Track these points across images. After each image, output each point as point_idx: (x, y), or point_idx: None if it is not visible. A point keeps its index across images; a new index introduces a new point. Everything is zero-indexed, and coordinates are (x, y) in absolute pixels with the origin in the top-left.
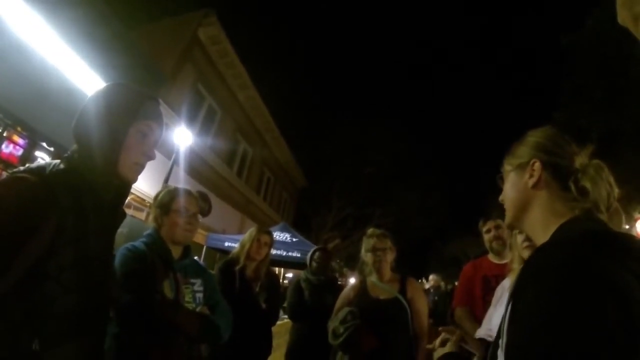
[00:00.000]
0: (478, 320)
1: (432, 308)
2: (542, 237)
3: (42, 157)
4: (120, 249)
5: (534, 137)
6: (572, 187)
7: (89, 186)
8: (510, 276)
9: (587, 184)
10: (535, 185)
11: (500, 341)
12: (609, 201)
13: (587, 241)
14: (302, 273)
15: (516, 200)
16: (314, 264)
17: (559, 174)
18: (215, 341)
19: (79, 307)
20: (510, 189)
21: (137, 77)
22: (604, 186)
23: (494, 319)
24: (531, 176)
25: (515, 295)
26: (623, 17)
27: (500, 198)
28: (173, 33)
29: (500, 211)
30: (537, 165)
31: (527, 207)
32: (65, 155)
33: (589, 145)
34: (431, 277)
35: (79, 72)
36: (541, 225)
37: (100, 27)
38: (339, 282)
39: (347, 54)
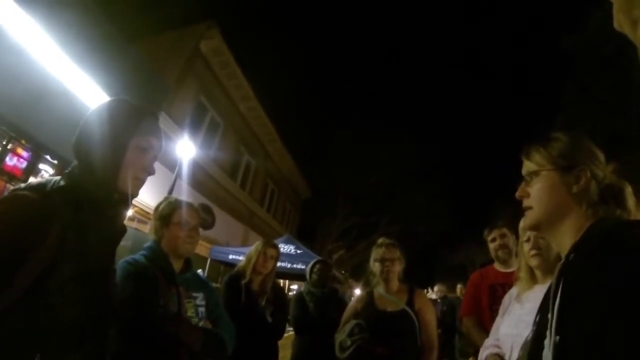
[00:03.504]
0: (486, 330)
1: (441, 318)
2: (568, 242)
3: (46, 170)
4: (121, 263)
5: (581, 141)
6: (612, 201)
7: (89, 202)
8: (517, 285)
9: (625, 200)
10: (578, 192)
11: (547, 341)
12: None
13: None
14: (303, 286)
15: (553, 203)
16: (314, 276)
17: (601, 186)
18: (219, 356)
19: (81, 320)
20: (547, 190)
21: (140, 90)
22: (633, 201)
23: (502, 328)
24: (577, 182)
25: (570, 289)
26: (620, 21)
27: (520, 194)
28: (175, 45)
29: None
30: (588, 173)
31: (563, 213)
32: (66, 171)
33: (613, 162)
34: (436, 287)
35: (83, 86)
36: (572, 232)
37: (104, 40)
38: (341, 293)
39: (350, 63)
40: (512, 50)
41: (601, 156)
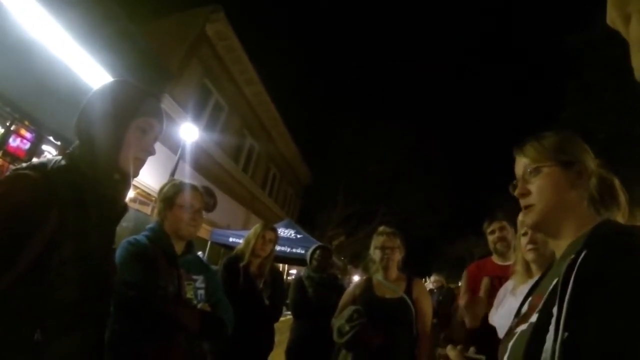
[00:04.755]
0: None
1: (436, 308)
2: (567, 240)
3: (49, 151)
4: (122, 242)
5: (574, 137)
6: (607, 196)
7: (89, 182)
8: (513, 278)
9: (617, 194)
10: (578, 188)
11: (549, 335)
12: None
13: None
14: (303, 271)
15: (557, 201)
16: (314, 262)
17: (599, 182)
18: (216, 339)
19: (80, 299)
20: (551, 186)
21: (144, 73)
22: (623, 194)
23: (495, 320)
24: (580, 178)
25: (585, 287)
26: (613, 17)
27: (522, 192)
28: (180, 28)
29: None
30: (588, 168)
31: (566, 210)
32: (67, 151)
33: (598, 158)
34: (433, 277)
35: (86, 67)
36: (572, 229)
37: (108, 22)
38: (340, 279)
39: (354, 51)
40: (513, 47)
41: (591, 152)
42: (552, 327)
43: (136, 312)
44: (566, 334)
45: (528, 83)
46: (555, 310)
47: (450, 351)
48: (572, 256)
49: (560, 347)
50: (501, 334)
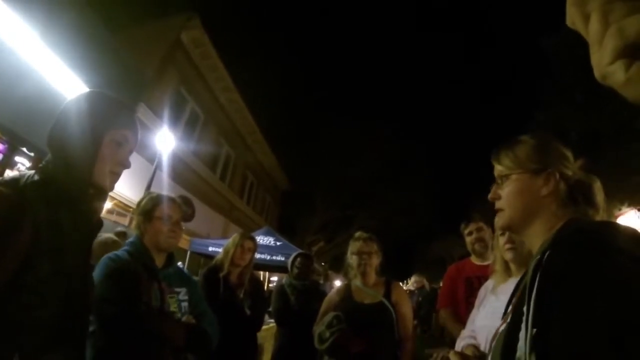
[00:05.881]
0: (462, 322)
1: (416, 309)
2: (539, 241)
3: (23, 163)
4: (103, 259)
5: (549, 143)
6: (580, 198)
7: (64, 197)
8: (493, 277)
9: (594, 195)
10: (547, 194)
11: (522, 334)
12: (603, 207)
13: (607, 230)
14: (284, 278)
15: (524, 206)
16: (295, 269)
17: (569, 185)
18: (202, 351)
19: (58, 318)
20: (518, 193)
21: (119, 81)
22: (601, 195)
23: (478, 320)
24: (547, 185)
25: (548, 285)
26: (572, 17)
27: (492, 197)
28: (156, 36)
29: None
30: (557, 175)
31: (534, 214)
32: (40, 165)
33: (580, 159)
34: (413, 278)
35: (61, 76)
36: (542, 232)
37: (83, 30)
38: (322, 285)
39: (331, 57)
40: (492, 50)
41: (570, 155)
42: (523, 325)
43: (120, 329)
44: (534, 330)
45: (508, 85)
46: (525, 309)
47: (453, 356)
48: (538, 257)
49: (530, 342)
50: (483, 333)
